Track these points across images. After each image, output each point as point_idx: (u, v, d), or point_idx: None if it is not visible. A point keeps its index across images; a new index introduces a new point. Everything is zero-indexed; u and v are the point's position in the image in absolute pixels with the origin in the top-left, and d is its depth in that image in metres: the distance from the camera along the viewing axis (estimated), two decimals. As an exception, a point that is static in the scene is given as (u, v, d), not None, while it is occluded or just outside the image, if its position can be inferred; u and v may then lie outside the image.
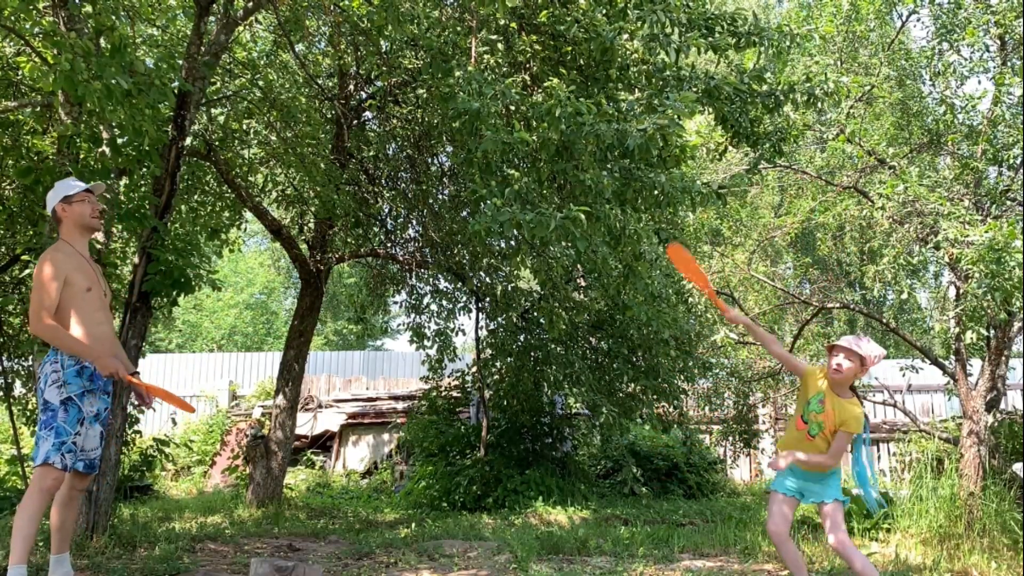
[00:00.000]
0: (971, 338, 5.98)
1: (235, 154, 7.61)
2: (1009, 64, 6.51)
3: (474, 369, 9.69)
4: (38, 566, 4.32)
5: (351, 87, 8.10)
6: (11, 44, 6.10)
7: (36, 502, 3.50)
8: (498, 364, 9.03)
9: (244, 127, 7.66)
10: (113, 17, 4.77)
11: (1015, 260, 5.03)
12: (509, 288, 8.57)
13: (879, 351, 3.67)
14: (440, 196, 8.55)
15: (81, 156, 5.05)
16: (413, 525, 6.77)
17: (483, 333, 9.13)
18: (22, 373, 7.56)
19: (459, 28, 5.86)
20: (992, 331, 6.38)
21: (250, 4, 5.86)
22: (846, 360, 3.62)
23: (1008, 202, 6.40)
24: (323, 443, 12.43)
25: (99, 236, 5.34)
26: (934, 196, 5.84)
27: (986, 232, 5.11)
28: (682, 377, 8.63)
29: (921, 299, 11.54)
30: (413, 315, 9.07)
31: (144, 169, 5.32)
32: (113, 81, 4.13)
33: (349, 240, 8.54)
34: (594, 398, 7.80)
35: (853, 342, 3.67)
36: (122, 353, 3.93)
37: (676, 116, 4.67)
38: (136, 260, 5.43)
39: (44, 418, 3.59)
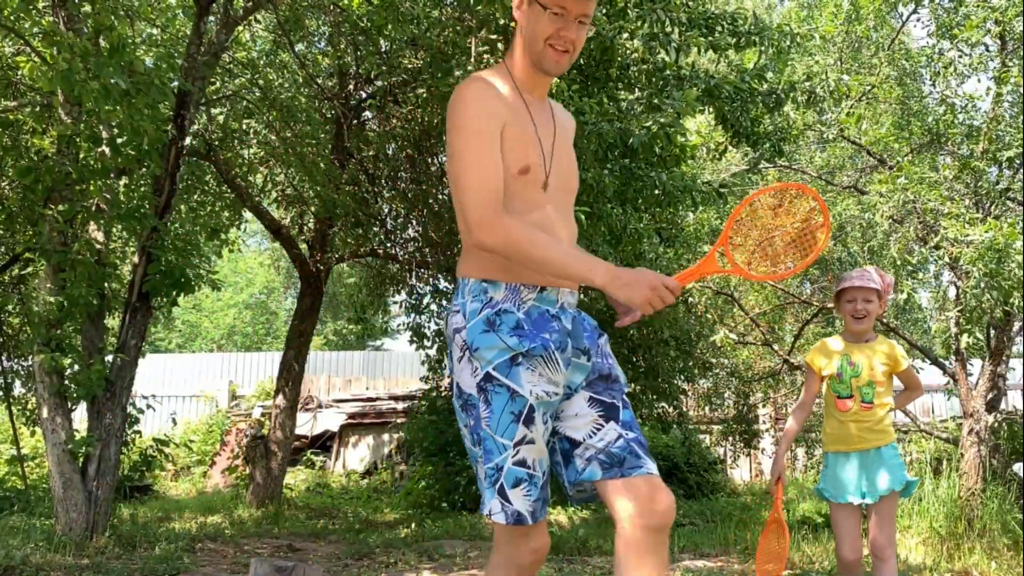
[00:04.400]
0: (968, 341, 5.97)
1: (235, 154, 7.61)
2: (1009, 63, 6.51)
3: (474, 369, 9.67)
4: (37, 566, 4.31)
5: (351, 87, 8.09)
6: (10, 44, 6.09)
7: None
8: (498, 364, 9.01)
9: (244, 127, 7.66)
10: (112, 17, 4.76)
11: (1015, 260, 5.02)
12: (509, 288, 8.53)
13: (889, 277, 3.22)
14: (440, 196, 8.53)
15: (81, 155, 5.05)
16: (413, 525, 6.76)
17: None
18: (21, 373, 7.56)
19: (459, 28, 5.85)
20: (992, 331, 6.38)
21: (250, 4, 5.86)
22: (865, 303, 3.09)
23: (1008, 202, 6.39)
24: (323, 443, 12.42)
25: (98, 236, 5.33)
26: (934, 193, 5.83)
27: (986, 232, 5.10)
28: (682, 377, 8.62)
29: (921, 299, 11.54)
30: (413, 315, 9.06)
31: (144, 169, 5.32)
32: (112, 81, 4.12)
33: (349, 240, 8.53)
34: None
35: (865, 278, 3.11)
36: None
37: (677, 115, 4.67)
38: (136, 260, 5.42)
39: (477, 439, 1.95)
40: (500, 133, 1.91)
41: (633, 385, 8.43)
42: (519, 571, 1.98)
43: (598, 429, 1.95)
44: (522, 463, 1.88)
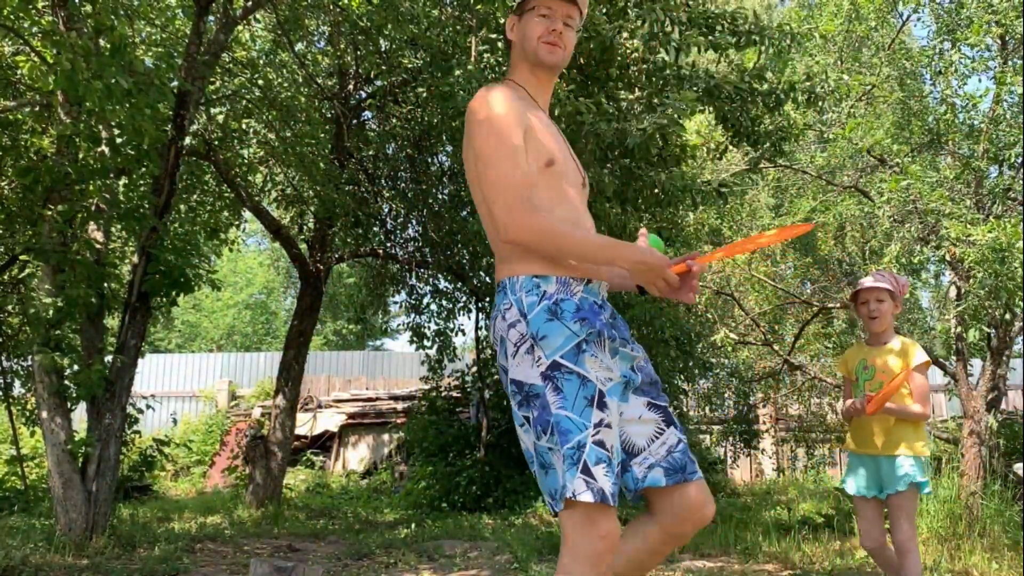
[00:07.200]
0: (974, 336, 5.96)
1: (234, 153, 7.60)
2: (1010, 63, 6.50)
3: (474, 369, 9.68)
4: (37, 566, 4.31)
5: (351, 86, 8.09)
6: (10, 43, 6.08)
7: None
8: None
9: (243, 126, 7.65)
10: (112, 17, 4.75)
11: (1017, 260, 5.01)
12: (509, 288, 8.53)
13: (904, 279, 3.30)
14: (440, 196, 8.53)
15: (80, 155, 5.04)
16: (413, 525, 6.75)
17: (483, 333, 9.12)
18: (21, 373, 7.54)
19: (459, 27, 5.84)
20: (993, 331, 6.38)
21: (249, 3, 5.85)
22: (877, 303, 3.21)
23: (1009, 201, 6.38)
24: (323, 443, 12.41)
25: (98, 236, 5.32)
26: (936, 194, 5.83)
27: (990, 232, 5.09)
28: (682, 377, 8.61)
29: (922, 299, 11.54)
30: (413, 315, 9.06)
31: (143, 168, 5.31)
32: (113, 81, 4.12)
33: (349, 240, 8.53)
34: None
35: (877, 279, 3.23)
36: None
37: (676, 115, 4.66)
38: (135, 260, 5.42)
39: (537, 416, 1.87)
40: (524, 132, 1.96)
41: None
42: (596, 559, 1.82)
43: (659, 434, 1.99)
44: (601, 444, 1.83)
